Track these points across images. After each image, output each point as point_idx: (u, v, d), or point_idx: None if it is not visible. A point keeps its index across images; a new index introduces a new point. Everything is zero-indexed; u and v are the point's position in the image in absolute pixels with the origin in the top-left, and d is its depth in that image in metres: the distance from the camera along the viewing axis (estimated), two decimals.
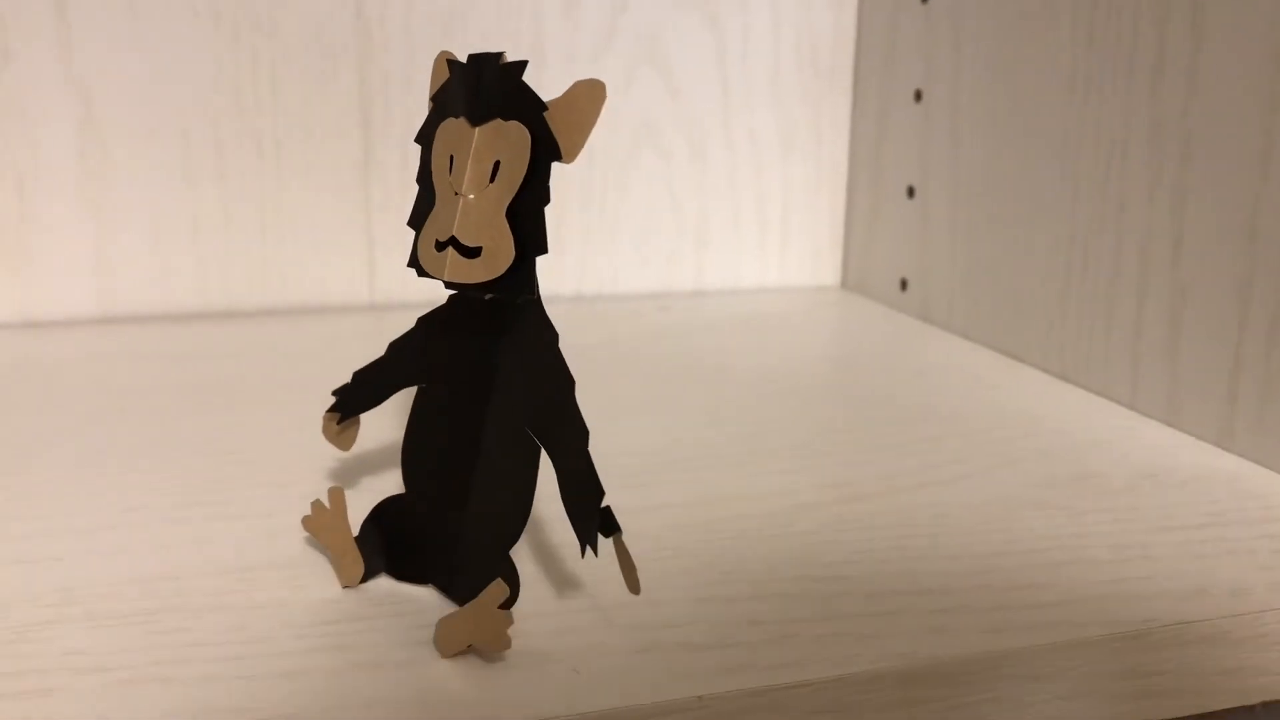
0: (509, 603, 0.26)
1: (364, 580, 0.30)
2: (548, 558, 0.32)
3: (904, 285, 0.60)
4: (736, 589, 0.30)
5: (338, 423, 0.31)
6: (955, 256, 0.56)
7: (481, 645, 0.26)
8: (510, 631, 0.27)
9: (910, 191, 0.59)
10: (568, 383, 0.27)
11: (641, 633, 0.28)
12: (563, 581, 0.30)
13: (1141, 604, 0.30)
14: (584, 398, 0.44)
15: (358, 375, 0.31)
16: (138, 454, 0.39)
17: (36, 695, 0.25)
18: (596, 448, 0.40)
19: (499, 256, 0.26)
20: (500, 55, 0.27)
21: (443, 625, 0.27)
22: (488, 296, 0.27)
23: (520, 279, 0.27)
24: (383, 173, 0.58)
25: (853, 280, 0.66)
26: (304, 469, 0.37)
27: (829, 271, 0.67)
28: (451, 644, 0.26)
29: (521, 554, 0.32)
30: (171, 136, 0.55)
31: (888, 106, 0.61)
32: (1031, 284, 0.50)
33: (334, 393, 0.32)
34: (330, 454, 0.37)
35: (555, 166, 0.27)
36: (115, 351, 0.51)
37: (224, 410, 0.43)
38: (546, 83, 0.61)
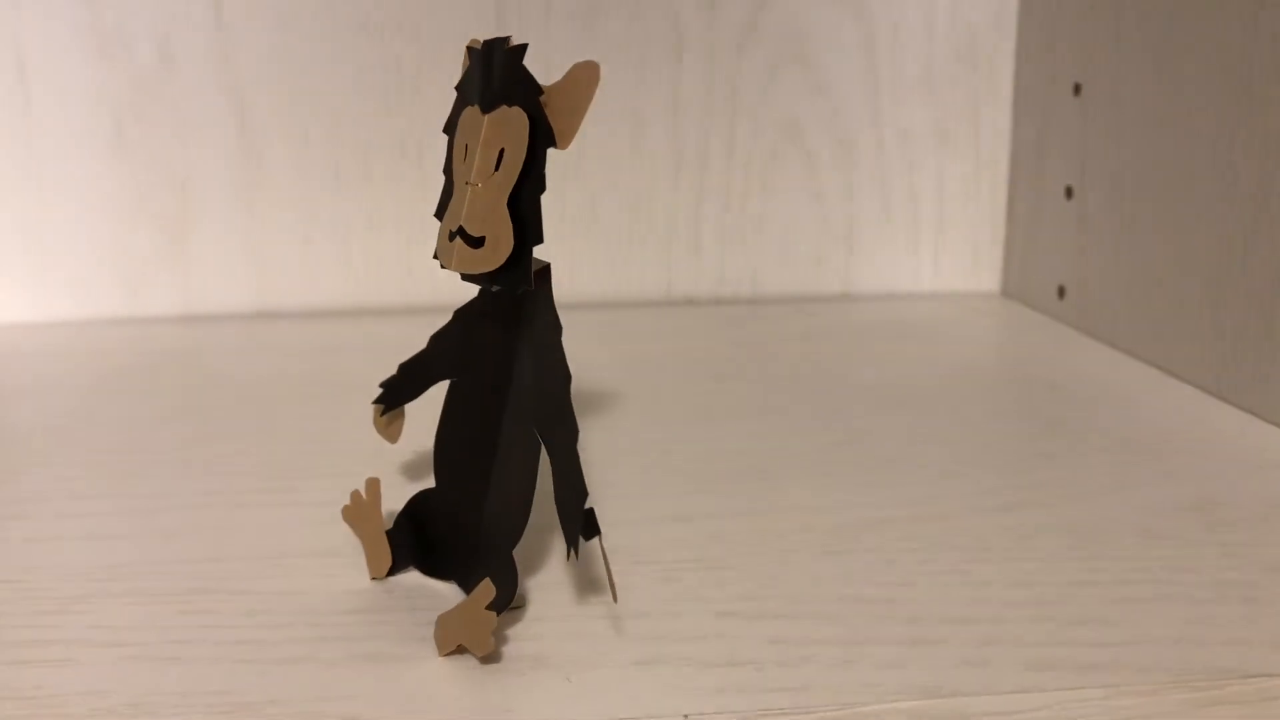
0: (501, 603, 0.25)
1: (392, 573, 0.30)
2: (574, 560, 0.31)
3: (1061, 293, 0.56)
4: (767, 605, 0.28)
5: (382, 414, 0.32)
6: (1112, 262, 0.51)
7: (468, 645, 0.25)
8: (517, 634, 0.27)
9: (1068, 192, 0.55)
10: (564, 379, 0.26)
11: (650, 644, 0.26)
12: (585, 585, 0.29)
13: (1226, 651, 0.26)
14: (700, 400, 0.43)
15: (402, 367, 0.31)
16: (237, 441, 0.40)
17: (53, 664, 0.26)
18: (686, 451, 0.39)
19: (500, 246, 0.25)
20: (507, 40, 0.26)
21: (440, 623, 0.26)
22: (494, 288, 0.26)
23: (520, 270, 0.26)
24: None
25: (1013, 287, 0.61)
26: (385, 461, 0.37)
27: (988, 277, 0.63)
28: (445, 642, 0.26)
29: (546, 555, 0.31)
30: (321, 140, 0.57)
31: (1047, 100, 0.57)
32: (1188, 293, 0.45)
33: (380, 385, 0.32)
34: (414, 447, 0.37)
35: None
36: (258, 345, 0.53)
37: (334, 403, 0.45)
38: (685, 78, 0.58)
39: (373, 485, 0.30)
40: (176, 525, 0.33)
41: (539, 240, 0.26)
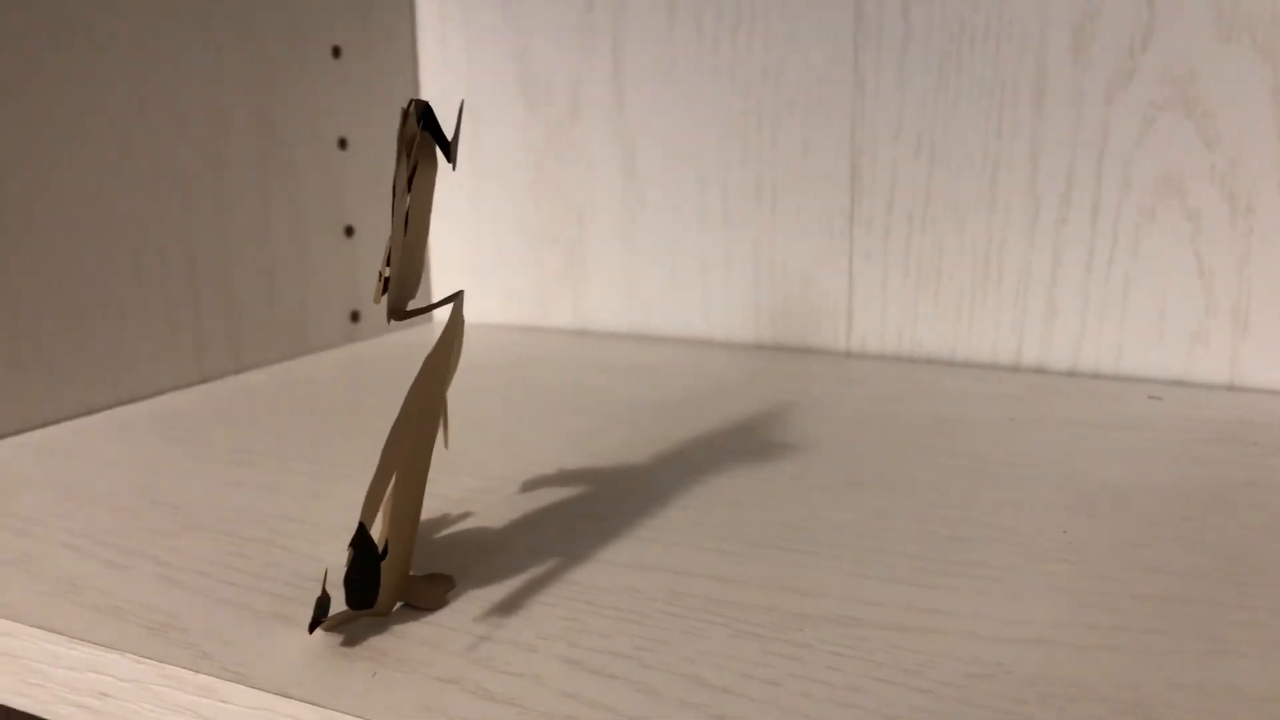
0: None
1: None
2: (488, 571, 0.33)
3: None
4: (614, 665, 0.28)
5: None
6: None
7: None
8: (403, 631, 0.30)
9: None
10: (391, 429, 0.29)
11: (471, 667, 0.28)
12: (504, 606, 0.31)
13: None
14: (870, 468, 0.43)
15: None
16: (466, 435, 0.47)
17: (115, 569, 0.34)
18: (766, 511, 0.39)
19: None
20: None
21: None
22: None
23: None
24: (868, 221, 0.58)
25: None
26: (568, 473, 0.41)
27: None
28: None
29: (496, 572, 0.33)
30: (689, 182, 0.62)
31: None
32: None
33: None
34: (582, 466, 0.41)
35: None
36: (617, 364, 0.60)
37: (599, 418, 0.49)
38: (1047, 124, 0.55)
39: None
40: (327, 492, 0.40)
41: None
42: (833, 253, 0.59)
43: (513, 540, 0.36)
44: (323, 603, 0.29)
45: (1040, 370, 0.55)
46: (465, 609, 0.31)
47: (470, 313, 0.69)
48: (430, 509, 0.39)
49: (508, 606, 0.31)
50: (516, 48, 0.65)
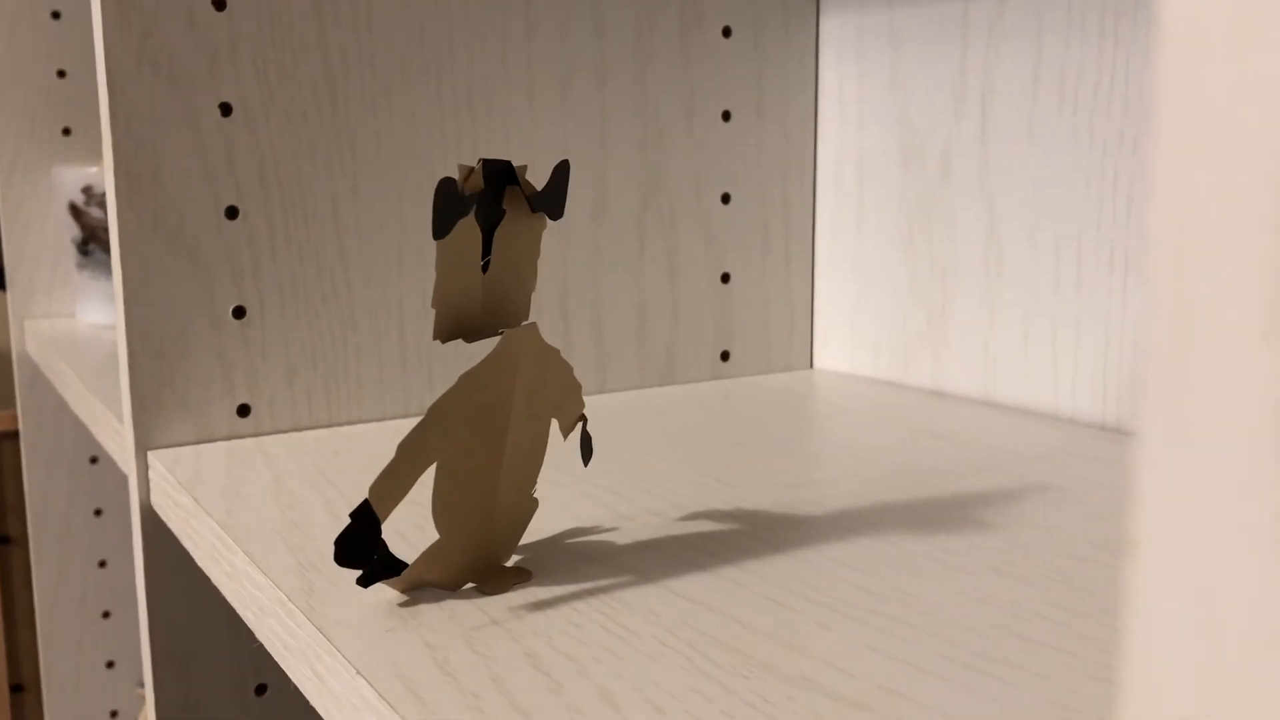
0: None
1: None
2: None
3: None
4: (557, 666, 0.31)
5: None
6: None
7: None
8: (462, 600, 0.36)
9: None
10: None
11: (454, 637, 0.32)
12: (573, 602, 0.35)
13: None
14: (1053, 554, 0.40)
15: None
16: (735, 483, 0.50)
17: (295, 532, 0.43)
18: (875, 590, 0.38)
19: None
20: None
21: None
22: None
23: None
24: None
25: None
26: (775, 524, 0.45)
27: None
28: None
29: (554, 558, 0.37)
30: (1045, 246, 0.59)
31: None
32: None
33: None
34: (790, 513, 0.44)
35: None
36: (961, 429, 0.59)
37: (831, 473, 0.50)
38: None
39: None
40: (561, 499, 0.47)
41: None
42: None
43: (617, 556, 0.39)
44: (370, 562, 0.35)
45: None
46: (513, 599, 0.36)
47: (841, 363, 0.71)
48: (592, 518, 0.43)
49: (542, 605, 0.35)
50: (899, 111, 0.66)
